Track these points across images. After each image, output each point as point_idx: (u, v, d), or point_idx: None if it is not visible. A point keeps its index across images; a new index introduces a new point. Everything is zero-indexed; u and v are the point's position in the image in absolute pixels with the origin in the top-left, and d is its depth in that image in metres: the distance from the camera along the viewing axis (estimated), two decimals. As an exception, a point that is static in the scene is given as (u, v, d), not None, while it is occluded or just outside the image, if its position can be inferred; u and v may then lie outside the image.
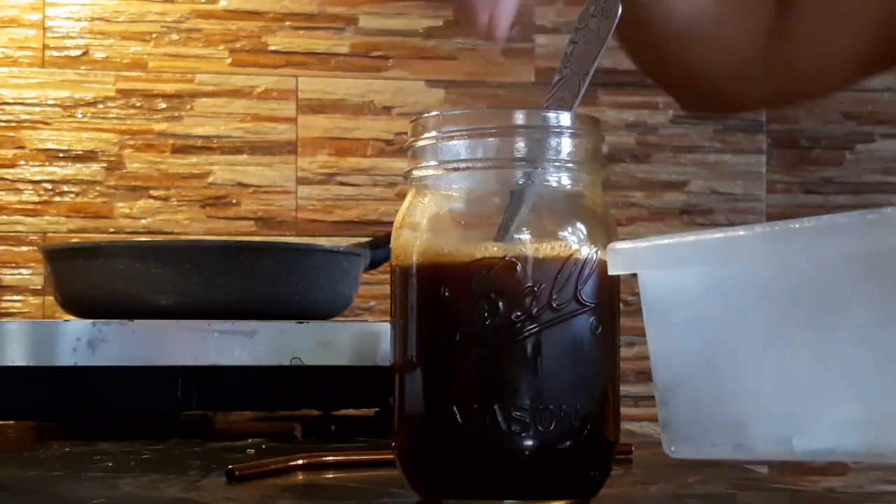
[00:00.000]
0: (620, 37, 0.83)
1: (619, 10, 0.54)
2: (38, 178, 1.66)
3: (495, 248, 0.50)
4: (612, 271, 0.48)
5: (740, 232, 0.43)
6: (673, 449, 0.47)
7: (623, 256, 0.47)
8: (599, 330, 0.51)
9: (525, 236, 0.50)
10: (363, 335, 0.89)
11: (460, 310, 0.50)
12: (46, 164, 1.66)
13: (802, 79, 0.85)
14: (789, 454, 0.44)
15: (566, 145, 0.52)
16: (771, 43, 0.83)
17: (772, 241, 0.43)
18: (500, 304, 0.50)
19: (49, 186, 1.66)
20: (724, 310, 0.45)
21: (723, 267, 0.44)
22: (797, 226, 0.42)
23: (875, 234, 0.40)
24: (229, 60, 1.71)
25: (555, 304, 0.50)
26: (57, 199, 1.66)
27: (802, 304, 0.43)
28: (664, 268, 0.46)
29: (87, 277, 0.97)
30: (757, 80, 0.85)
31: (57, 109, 1.67)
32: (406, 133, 0.55)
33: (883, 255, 0.41)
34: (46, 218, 1.66)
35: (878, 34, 0.80)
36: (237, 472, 0.61)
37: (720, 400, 0.45)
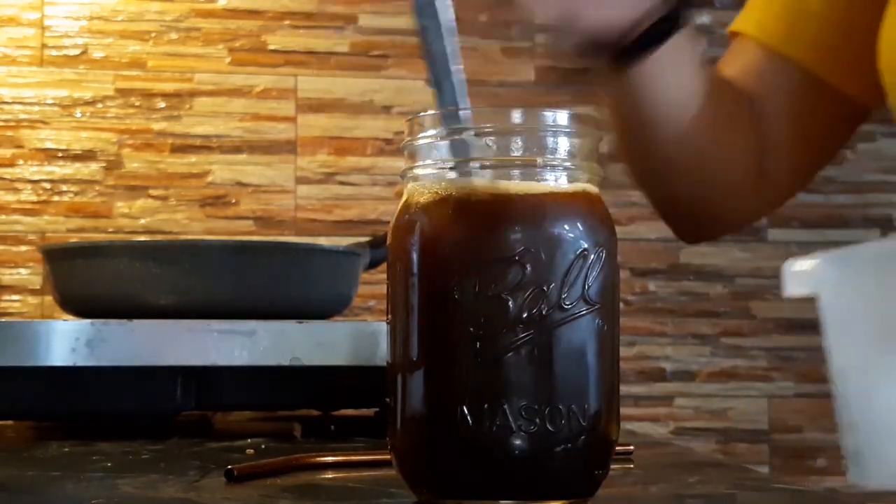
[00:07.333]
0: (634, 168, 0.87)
1: None
2: (36, 177, 1.65)
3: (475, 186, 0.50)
4: (790, 293, 0.47)
5: None
6: (864, 477, 0.45)
7: (804, 277, 0.46)
8: (605, 329, 0.51)
9: (534, 234, 0.50)
10: (363, 335, 0.89)
11: (468, 309, 0.50)
12: (45, 163, 1.66)
13: (785, 190, 0.96)
14: None
15: (564, 144, 0.52)
16: (755, 166, 0.90)
17: None
18: (511, 303, 0.49)
19: (48, 186, 1.66)
20: None
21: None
22: None
23: None
24: (228, 59, 1.71)
25: (564, 304, 0.50)
26: (56, 198, 1.66)
27: None
28: (844, 280, 0.45)
29: (86, 277, 0.96)
30: (748, 197, 0.93)
31: (55, 109, 1.66)
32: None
33: None
34: (45, 217, 1.66)
35: (826, 142, 0.93)
36: (236, 473, 0.61)
37: None
